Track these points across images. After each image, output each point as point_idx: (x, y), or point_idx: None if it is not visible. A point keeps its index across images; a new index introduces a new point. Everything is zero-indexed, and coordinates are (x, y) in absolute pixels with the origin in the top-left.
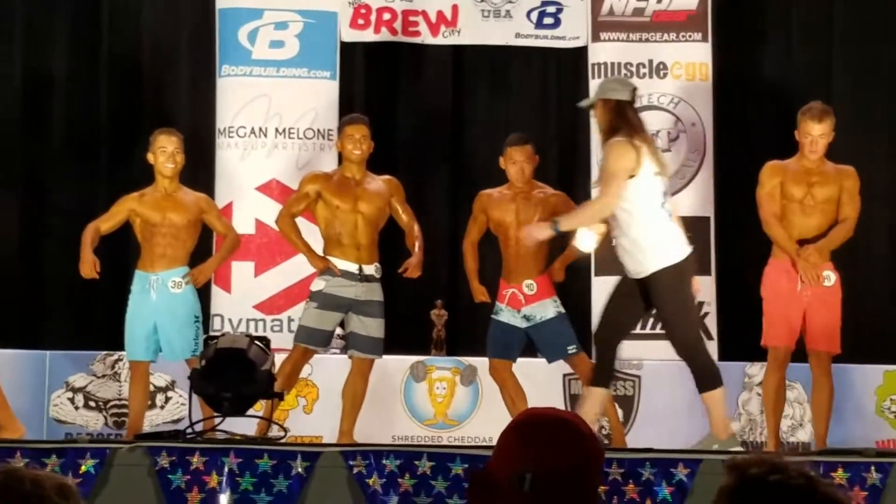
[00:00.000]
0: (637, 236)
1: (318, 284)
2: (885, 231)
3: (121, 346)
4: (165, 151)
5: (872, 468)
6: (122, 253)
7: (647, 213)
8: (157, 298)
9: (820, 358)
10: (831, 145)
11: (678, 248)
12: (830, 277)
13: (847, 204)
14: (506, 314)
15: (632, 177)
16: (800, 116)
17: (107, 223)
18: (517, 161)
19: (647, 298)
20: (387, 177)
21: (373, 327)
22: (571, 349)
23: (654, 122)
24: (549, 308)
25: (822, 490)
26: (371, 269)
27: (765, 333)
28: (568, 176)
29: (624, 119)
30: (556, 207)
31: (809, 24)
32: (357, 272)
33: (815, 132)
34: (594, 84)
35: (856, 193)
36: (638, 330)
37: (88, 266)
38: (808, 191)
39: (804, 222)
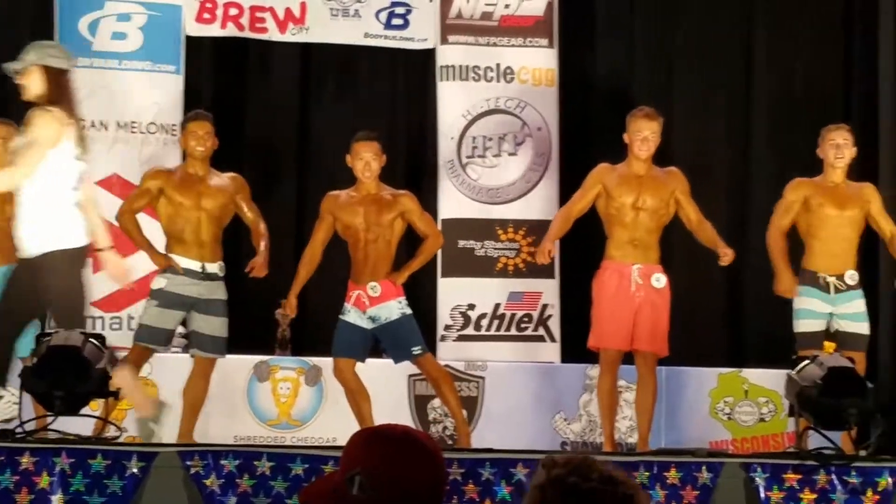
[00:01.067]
0: (38, 213)
1: (159, 282)
2: (722, 232)
3: None
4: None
5: (704, 468)
6: None
7: (55, 192)
8: None
9: (646, 358)
10: (670, 150)
11: (77, 236)
12: (660, 280)
13: (687, 207)
14: (352, 315)
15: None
16: (629, 118)
17: None
18: (364, 157)
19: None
20: (232, 174)
21: (215, 326)
22: (416, 350)
23: (500, 125)
24: (393, 309)
25: (620, 493)
26: (214, 268)
27: (592, 335)
28: (415, 176)
29: (63, 91)
30: (405, 207)
31: (652, 31)
32: (200, 270)
33: (646, 130)
34: (443, 86)
35: (688, 194)
36: (483, 331)
37: None
38: (637, 196)
39: (636, 226)
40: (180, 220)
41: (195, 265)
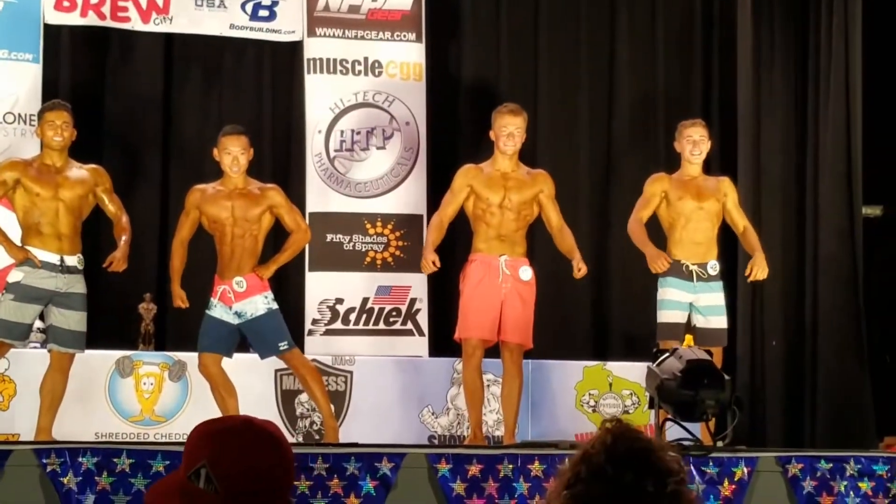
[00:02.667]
0: None
1: (15, 276)
2: (587, 228)
3: None
4: None
5: (567, 460)
6: None
7: None
8: None
9: (512, 351)
10: (535, 148)
11: None
12: (527, 272)
13: (550, 211)
14: (218, 310)
15: None
16: (494, 114)
17: None
18: (231, 152)
19: None
20: (93, 165)
21: (74, 320)
22: (283, 345)
23: (368, 119)
24: (259, 304)
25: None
26: (73, 260)
27: (459, 326)
28: (282, 170)
29: None
30: (273, 201)
31: (517, 29)
32: (58, 263)
33: (511, 126)
34: (311, 79)
35: (552, 197)
36: (351, 325)
37: None
38: (504, 195)
39: (502, 223)
40: (37, 211)
41: (53, 258)
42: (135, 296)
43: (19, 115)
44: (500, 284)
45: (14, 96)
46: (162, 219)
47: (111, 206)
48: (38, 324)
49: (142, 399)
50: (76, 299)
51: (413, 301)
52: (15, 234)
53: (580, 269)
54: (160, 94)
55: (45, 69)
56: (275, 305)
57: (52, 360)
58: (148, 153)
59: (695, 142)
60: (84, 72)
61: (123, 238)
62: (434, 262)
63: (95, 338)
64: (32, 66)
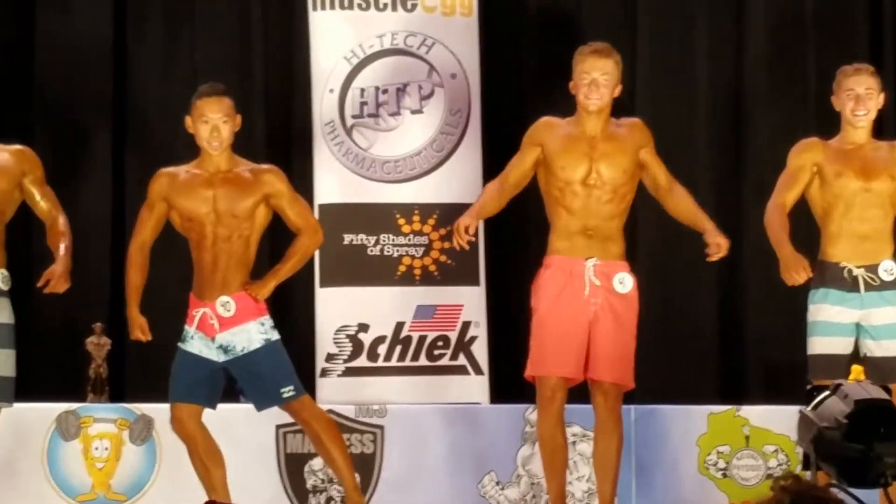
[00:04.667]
0: None
1: None
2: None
3: None
4: None
5: None
6: None
7: None
8: None
9: (606, 393)
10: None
11: None
12: (626, 282)
13: (654, 166)
14: (196, 342)
15: None
16: (576, 58)
17: None
18: (210, 120)
19: None
20: (18, 147)
21: (8, 362)
22: (287, 392)
23: (399, 72)
24: (253, 335)
25: None
26: None
27: (531, 360)
28: (280, 145)
29: None
30: (271, 189)
31: None
32: None
33: (596, 71)
34: (317, 18)
35: (654, 151)
36: (380, 362)
37: None
38: (590, 168)
39: (588, 209)
40: None
41: None
42: (81, 326)
43: None
44: (588, 300)
45: None
46: (116, 217)
47: (43, 202)
48: None
49: (93, 470)
50: (1, 332)
51: (466, 326)
52: None
53: (717, 245)
54: (108, 47)
55: None
56: (275, 336)
57: None
58: (93, 128)
59: (858, 97)
60: (5, 22)
61: (62, 246)
62: (469, 230)
63: (28, 386)
64: None
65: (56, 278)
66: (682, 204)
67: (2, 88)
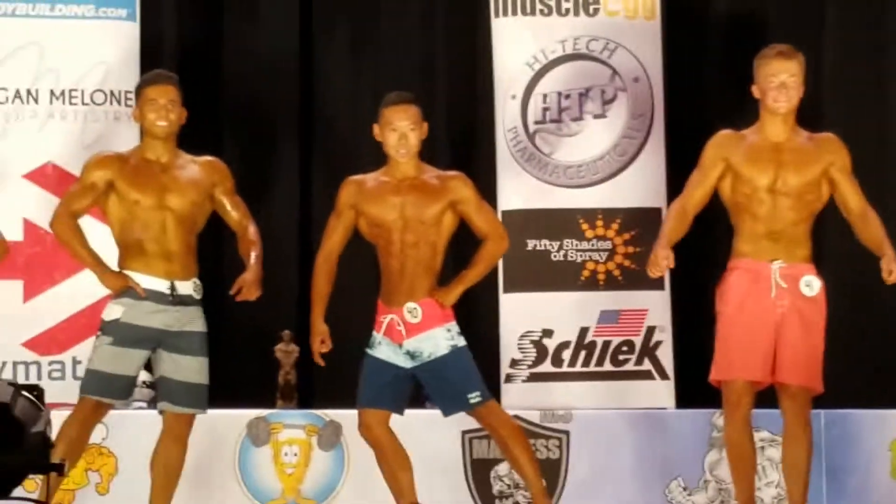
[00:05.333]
0: None
1: (113, 311)
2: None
3: None
4: None
5: None
6: None
7: None
8: None
9: (794, 397)
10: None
11: None
12: (813, 284)
13: (846, 189)
14: (384, 349)
15: None
16: (758, 61)
17: None
18: (398, 128)
19: None
20: (208, 158)
21: (192, 369)
22: (474, 397)
23: (582, 77)
24: (440, 341)
25: None
26: (188, 288)
27: (717, 364)
28: (463, 152)
29: None
30: (458, 195)
31: None
32: (168, 292)
33: (783, 73)
34: (498, 24)
35: (849, 171)
36: (564, 367)
37: None
38: (776, 174)
39: (774, 215)
40: (138, 224)
41: (161, 285)
42: (270, 334)
43: (111, 94)
44: (775, 302)
45: (103, 67)
46: (303, 226)
47: (234, 212)
48: (143, 375)
49: (283, 475)
50: (193, 340)
51: (651, 330)
52: (110, 255)
53: (891, 270)
54: (295, 56)
55: (144, 29)
56: (461, 342)
57: (164, 424)
58: (281, 137)
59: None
60: (194, 31)
61: (253, 255)
62: (667, 260)
63: (220, 393)
64: (127, 24)
65: (248, 286)
66: (870, 231)
67: (192, 101)
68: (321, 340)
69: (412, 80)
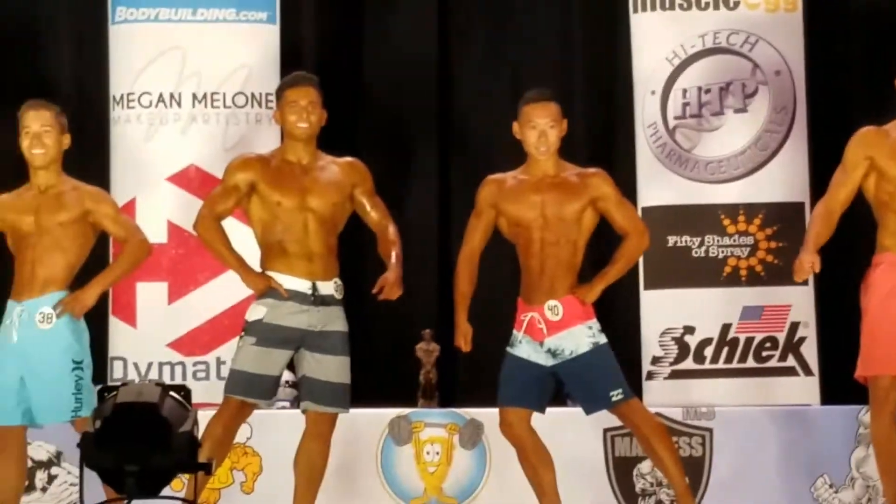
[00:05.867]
0: None
1: (256, 312)
2: None
3: None
4: (29, 132)
5: None
6: None
7: None
8: (21, 338)
9: None
10: None
11: None
12: None
13: None
14: (524, 347)
15: None
16: None
17: None
18: (538, 125)
19: None
20: (348, 159)
21: (334, 369)
22: (616, 395)
23: (722, 71)
24: (581, 339)
25: None
26: (329, 288)
27: (862, 359)
28: (601, 148)
29: None
30: (598, 192)
31: None
32: (310, 292)
33: None
34: (637, 19)
35: None
36: (707, 364)
37: None
38: None
39: None
40: (280, 225)
41: (303, 285)
42: (411, 333)
43: (252, 97)
44: None
45: (245, 70)
46: (442, 225)
47: (374, 212)
48: (287, 375)
49: (425, 474)
50: (335, 340)
51: (795, 326)
52: (252, 256)
53: None
54: (434, 58)
55: (285, 31)
56: (603, 339)
57: (307, 423)
58: (420, 137)
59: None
60: (334, 31)
61: (394, 254)
62: (813, 265)
63: (361, 391)
64: (267, 27)
65: (389, 286)
66: None
67: (332, 103)
68: (464, 340)
69: (549, 76)
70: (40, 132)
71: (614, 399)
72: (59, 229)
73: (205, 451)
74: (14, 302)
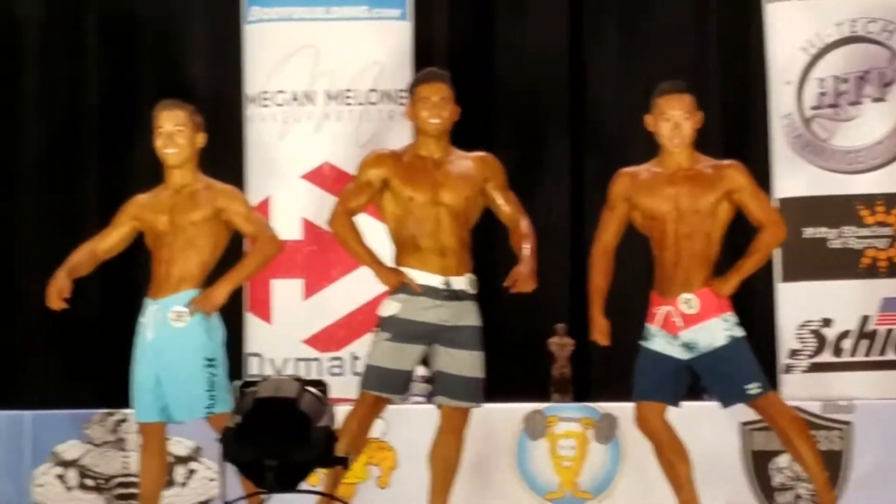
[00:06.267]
0: None
1: (389, 308)
2: None
3: (125, 402)
4: (162, 132)
5: None
6: (132, 275)
7: None
8: (156, 336)
9: None
10: None
11: None
12: None
13: None
14: (659, 341)
15: None
16: None
17: (105, 241)
18: (671, 117)
19: None
20: (480, 154)
21: (468, 363)
22: (753, 388)
23: (860, 60)
24: (717, 332)
25: None
26: (462, 283)
27: None
28: (736, 139)
29: None
30: (734, 184)
31: None
32: (443, 287)
33: None
34: (771, 9)
35: None
36: (845, 357)
37: (53, 291)
38: None
39: None
40: (413, 220)
41: (436, 281)
42: (544, 327)
43: (385, 93)
44: None
45: (377, 66)
46: (574, 219)
47: (507, 206)
48: (420, 370)
49: (560, 468)
50: (468, 335)
51: None
52: (386, 252)
53: None
54: (565, 49)
55: (417, 28)
56: (739, 332)
57: (441, 417)
58: (552, 131)
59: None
60: (466, 27)
61: (526, 248)
62: (603, 331)
63: (495, 386)
64: (400, 24)
65: (522, 279)
66: None
67: (464, 97)
68: (601, 334)
69: (683, 68)
70: (173, 132)
71: (751, 392)
72: (193, 228)
73: (341, 446)
74: (150, 300)
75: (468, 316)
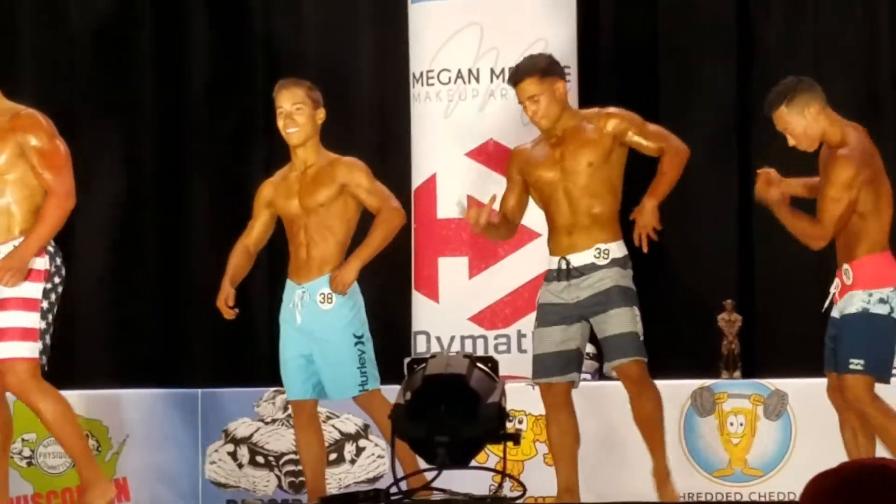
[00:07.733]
0: None
1: (539, 295)
2: None
3: None
4: (283, 112)
5: None
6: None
7: None
8: (305, 320)
9: None
10: None
11: None
12: None
13: None
14: (833, 312)
15: None
16: None
17: (251, 234)
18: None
19: None
20: (602, 111)
21: (620, 320)
22: (854, 364)
23: None
24: (856, 303)
25: None
26: (585, 258)
27: None
28: None
29: None
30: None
31: None
32: (563, 267)
33: None
34: None
35: None
36: None
37: (221, 304)
38: None
39: None
40: (542, 203)
41: (556, 262)
42: (713, 304)
43: None
44: None
45: (542, 43)
46: (743, 194)
47: (652, 142)
48: (589, 348)
49: (729, 445)
50: (609, 295)
51: None
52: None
53: None
54: (733, 24)
55: (582, 3)
56: (880, 310)
57: (623, 382)
58: (721, 99)
59: None
60: (632, 4)
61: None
62: None
63: (664, 363)
64: (565, 0)
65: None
66: None
67: (631, 69)
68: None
69: (853, 59)
70: (292, 111)
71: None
72: (323, 210)
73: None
74: (293, 283)
75: (601, 282)
